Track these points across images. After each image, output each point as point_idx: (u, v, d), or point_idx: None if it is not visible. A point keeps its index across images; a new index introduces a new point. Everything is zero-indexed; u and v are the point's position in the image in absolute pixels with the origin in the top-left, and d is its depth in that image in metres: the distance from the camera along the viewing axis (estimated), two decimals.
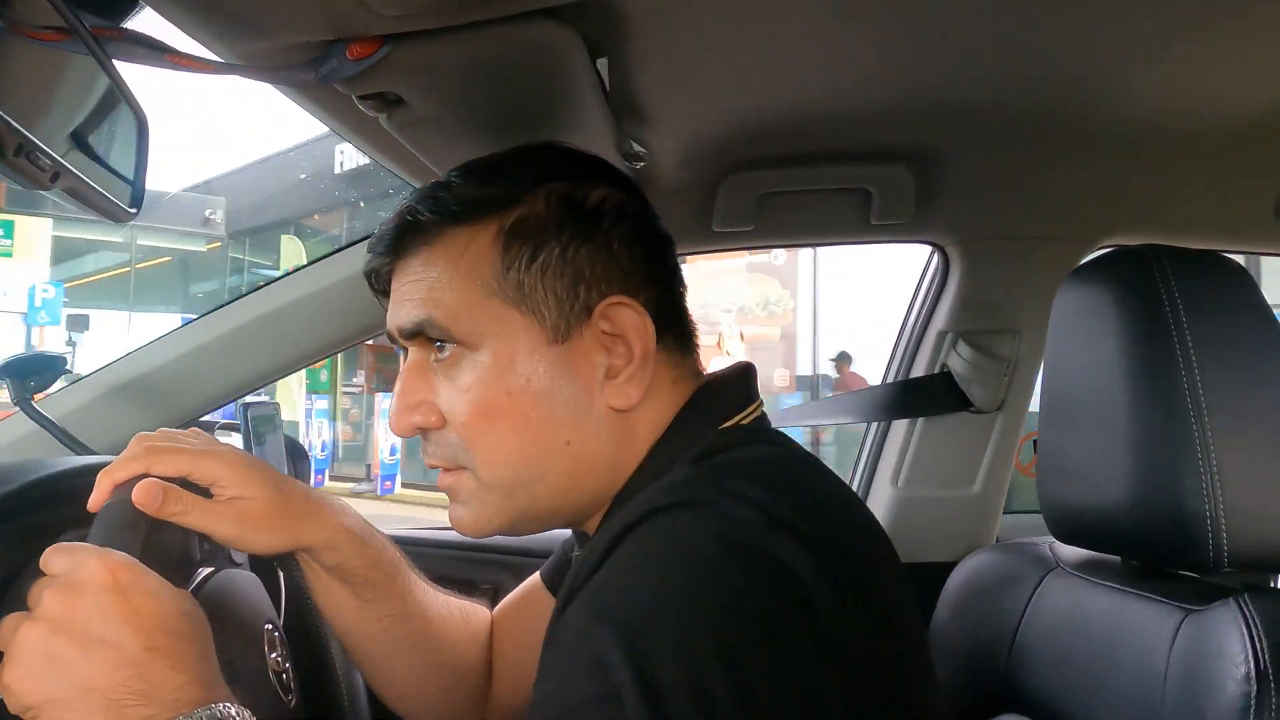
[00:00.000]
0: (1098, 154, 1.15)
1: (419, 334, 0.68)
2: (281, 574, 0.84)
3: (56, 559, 0.58)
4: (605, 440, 0.68)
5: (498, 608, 0.97)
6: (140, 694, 0.53)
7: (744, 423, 0.70)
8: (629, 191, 0.73)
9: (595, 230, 0.68)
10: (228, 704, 0.54)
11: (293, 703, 0.78)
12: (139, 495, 0.64)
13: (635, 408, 0.68)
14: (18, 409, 1.16)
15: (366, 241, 1.25)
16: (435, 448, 0.69)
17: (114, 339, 13.90)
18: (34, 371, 1.15)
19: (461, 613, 0.91)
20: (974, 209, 1.29)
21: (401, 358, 0.73)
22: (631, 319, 0.67)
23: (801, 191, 1.22)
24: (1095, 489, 0.80)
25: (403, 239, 0.70)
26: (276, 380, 1.33)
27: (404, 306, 0.69)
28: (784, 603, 0.52)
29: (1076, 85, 0.95)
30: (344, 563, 0.76)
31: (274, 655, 0.77)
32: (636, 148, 0.96)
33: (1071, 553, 0.91)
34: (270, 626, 0.80)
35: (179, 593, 0.60)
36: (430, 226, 0.68)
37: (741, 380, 0.73)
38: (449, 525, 0.73)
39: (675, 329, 0.72)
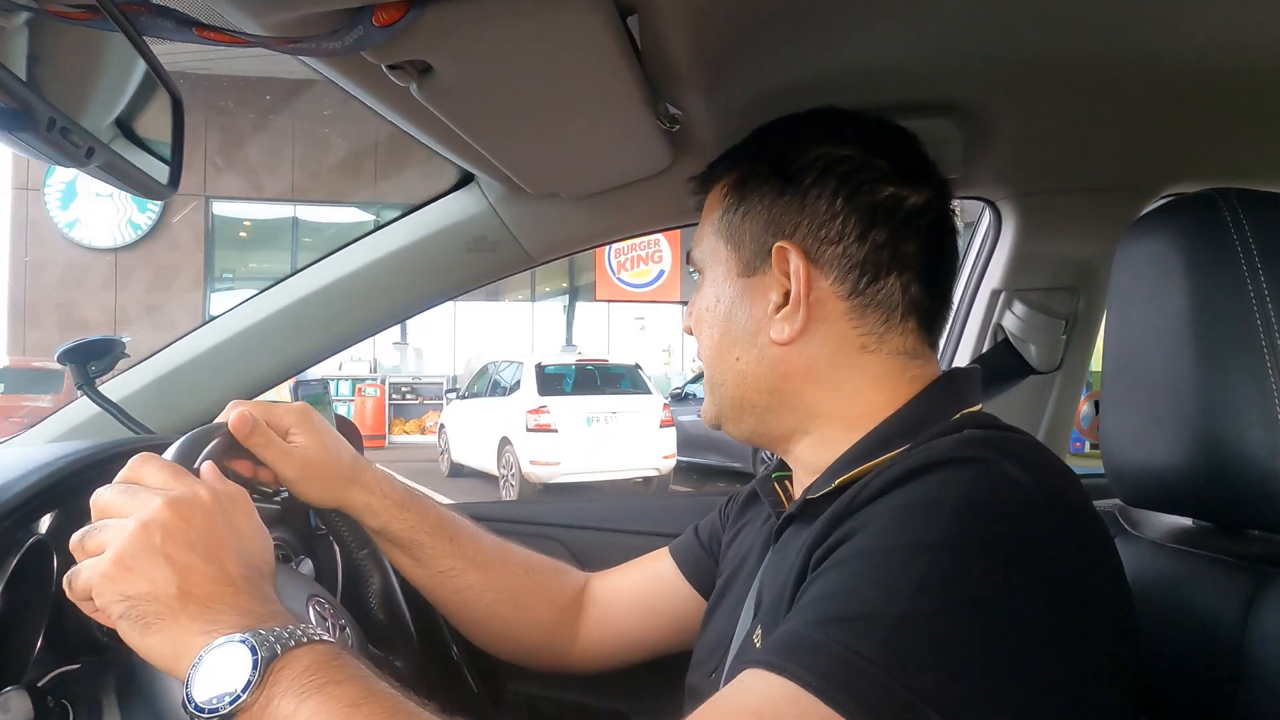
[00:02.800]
0: (1153, 99, 1.09)
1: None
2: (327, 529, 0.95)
3: (156, 474, 0.65)
4: (764, 367, 0.78)
5: (606, 574, 1.07)
6: (233, 607, 0.60)
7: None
8: (855, 151, 0.76)
9: (796, 185, 0.76)
10: (302, 625, 0.60)
11: None
12: (236, 421, 0.78)
13: (794, 345, 0.75)
14: (81, 393, 1.19)
15: (404, 220, 1.26)
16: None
17: None
18: (95, 356, 1.18)
19: (537, 570, 1.03)
20: (1025, 161, 1.23)
21: None
22: (790, 261, 0.75)
23: None
24: (1163, 449, 0.76)
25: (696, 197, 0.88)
26: (329, 358, 1.34)
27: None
28: (1038, 563, 0.58)
29: (1124, 30, 0.90)
30: (386, 526, 0.91)
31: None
32: (672, 110, 0.94)
33: (1140, 516, 0.88)
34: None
35: (266, 533, 0.68)
36: (704, 187, 0.86)
37: (978, 377, 0.80)
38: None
39: (869, 288, 0.75)
